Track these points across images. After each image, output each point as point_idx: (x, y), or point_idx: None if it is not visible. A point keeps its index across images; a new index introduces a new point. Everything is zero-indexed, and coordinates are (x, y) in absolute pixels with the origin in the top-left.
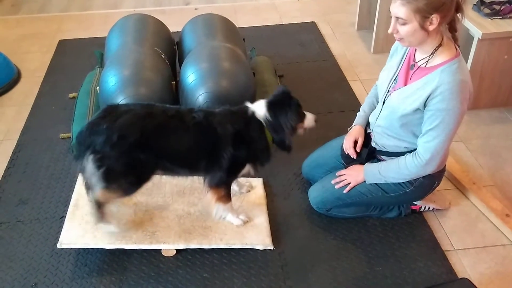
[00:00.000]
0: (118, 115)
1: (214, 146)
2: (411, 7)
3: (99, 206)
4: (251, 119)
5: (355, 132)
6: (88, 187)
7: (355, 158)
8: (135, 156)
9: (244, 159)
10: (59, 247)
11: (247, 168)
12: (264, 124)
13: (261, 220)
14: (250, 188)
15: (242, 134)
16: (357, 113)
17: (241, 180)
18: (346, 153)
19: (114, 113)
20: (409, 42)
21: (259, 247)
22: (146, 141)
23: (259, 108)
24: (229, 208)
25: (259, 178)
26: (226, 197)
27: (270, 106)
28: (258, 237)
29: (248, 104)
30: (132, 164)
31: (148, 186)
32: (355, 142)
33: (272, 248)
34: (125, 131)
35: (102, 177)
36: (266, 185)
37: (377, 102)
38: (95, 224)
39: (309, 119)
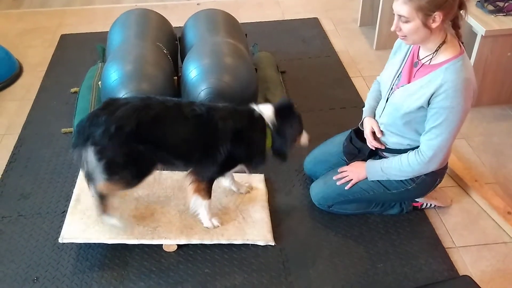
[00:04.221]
0: (117, 108)
1: (212, 139)
2: (413, 5)
3: (102, 198)
4: (258, 120)
5: (368, 125)
6: (89, 179)
7: (383, 148)
8: (132, 147)
9: (239, 158)
10: (61, 242)
11: (239, 167)
12: (271, 127)
13: (262, 216)
14: (250, 189)
15: (243, 133)
16: (363, 109)
17: (240, 180)
18: (347, 148)
19: (114, 105)
20: (412, 40)
21: (261, 242)
22: (142, 131)
23: (267, 111)
24: (205, 205)
25: (260, 174)
26: (205, 191)
27: (277, 113)
28: (260, 233)
29: (255, 106)
30: (130, 155)
31: (149, 181)
32: (373, 133)
33: (273, 244)
34: (121, 122)
35: (104, 169)
36: (267, 181)
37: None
38: (98, 216)
39: (305, 137)
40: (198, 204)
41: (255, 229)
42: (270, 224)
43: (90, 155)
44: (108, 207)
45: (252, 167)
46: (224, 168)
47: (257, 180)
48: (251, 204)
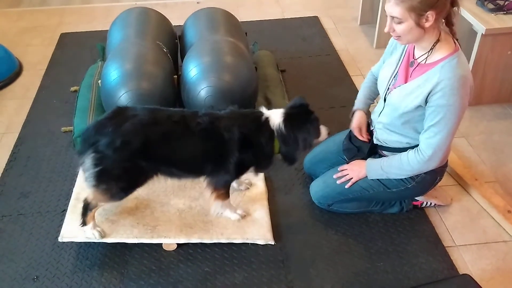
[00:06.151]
0: (125, 119)
1: (221, 151)
2: (405, 5)
3: (87, 207)
4: (263, 125)
5: (356, 121)
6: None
7: (366, 141)
8: (135, 162)
9: (249, 163)
10: (60, 241)
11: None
12: (276, 133)
13: (262, 214)
14: (249, 186)
15: (249, 139)
16: (355, 100)
17: (241, 177)
18: (347, 146)
19: (122, 116)
20: (406, 40)
21: (260, 241)
22: (148, 149)
23: (275, 116)
24: (227, 204)
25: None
26: (225, 194)
27: (288, 118)
28: (259, 232)
29: (263, 110)
30: (129, 170)
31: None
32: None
33: (273, 243)
34: (129, 137)
35: (95, 176)
36: (267, 180)
37: (376, 90)
38: (79, 226)
39: (323, 133)
40: (220, 207)
41: (255, 228)
42: (269, 223)
43: (88, 160)
44: (89, 219)
45: (259, 170)
46: (237, 174)
47: (257, 178)
48: (251, 203)
